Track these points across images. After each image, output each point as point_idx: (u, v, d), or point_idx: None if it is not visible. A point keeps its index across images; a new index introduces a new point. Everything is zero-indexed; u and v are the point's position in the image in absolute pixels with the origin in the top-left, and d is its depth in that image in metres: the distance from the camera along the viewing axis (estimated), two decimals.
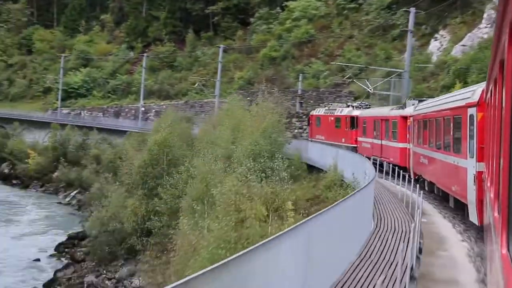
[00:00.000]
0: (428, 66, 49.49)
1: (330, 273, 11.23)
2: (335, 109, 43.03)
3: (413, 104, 28.41)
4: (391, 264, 12.81)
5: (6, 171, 77.87)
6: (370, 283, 11.38)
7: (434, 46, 54.85)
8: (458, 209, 18.64)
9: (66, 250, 43.21)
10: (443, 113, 19.19)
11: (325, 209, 10.85)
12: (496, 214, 5.99)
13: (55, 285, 35.76)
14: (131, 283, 33.36)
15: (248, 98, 71.82)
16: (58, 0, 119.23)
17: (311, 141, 45.32)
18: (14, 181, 75.16)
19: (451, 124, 17.88)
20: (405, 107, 29.92)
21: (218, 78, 70.36)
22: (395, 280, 10.34)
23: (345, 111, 40.57)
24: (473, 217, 15.43)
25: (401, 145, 29.10)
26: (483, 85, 14.84)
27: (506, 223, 4.55)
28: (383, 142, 32.14)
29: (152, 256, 31.80)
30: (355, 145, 38.08)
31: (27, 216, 55.61)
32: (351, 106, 41.32)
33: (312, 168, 37.83)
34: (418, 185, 19.83)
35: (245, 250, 6.40)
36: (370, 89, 47.75)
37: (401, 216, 19.58)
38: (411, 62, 45.88)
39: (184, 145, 43.12)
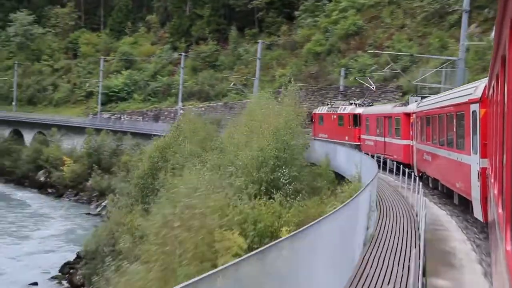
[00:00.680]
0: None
1: None
2: (338, 107, 42.63)
3: (416, 101, 28.15)
4: None
5: (42, 179, 75.25)
6: None
7: None
8: (462, 206, 18.46)
9: (71, 271, 38.69)
10: (446, 110, 19.07)
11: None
12: (500, 210, 6.12)
13: None
14: None
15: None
16: (105, 3, 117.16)
17: (314, 139, 43.22)
18: (50, 190, 72.36)
19: (454, 121, 17.74)
20: (408, 104, 29.54)
21: (256, 76, 64.70)
22: None
23: (347, 109, 40.19)
24: (478, 214, 15.31)
25: (404, 142, 28.67)
26: (485, 81, 14.52)
27: (510, 220, 4.73)
28: (386, 139, 31.80)
29: None
30: (359, 143, 37.66)
31: (48, 230, 51.83)
32: (354, 103, 41.07)
33: (342, 178, 31.57)
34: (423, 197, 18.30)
35: None
36: (373, 87, 47.45)
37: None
38: (470, 50, 39.08)
39: (201, 150, 37.59)
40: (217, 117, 55.34)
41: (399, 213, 19.76)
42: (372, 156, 29.82)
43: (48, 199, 69.25)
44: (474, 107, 15.33)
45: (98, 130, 75.51)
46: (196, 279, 5.18)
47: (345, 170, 29.15)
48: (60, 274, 38.38)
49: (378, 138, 33.39)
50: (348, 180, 26.39)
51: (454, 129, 17.81)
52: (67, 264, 39.73)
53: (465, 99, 16.35)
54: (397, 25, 63.79)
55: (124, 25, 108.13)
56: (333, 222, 10.26)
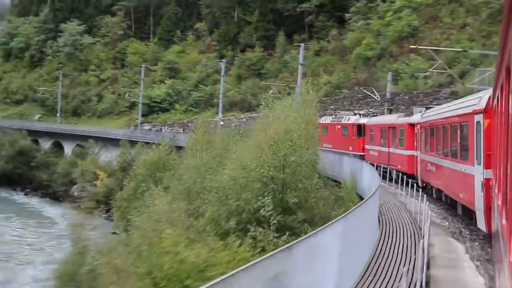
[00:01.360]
0: None
1: None
2: (342, 117, 43.20)
3: (420, 112, 28.54)
4: None
5: (75, 193, 71.76)
6: None
7: None
8: (466, 216, 18.37)
9: None
10: (450, 120, 19.25)
11: None
12: (504, 221, 6.25)
13: None
14: None
15: (332, 106, 59.91)
16: (155, 12, 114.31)
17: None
18: (82, 206, 68.67)
19: (458, 131, 17.92)
20: (412, 114, 29.74)
21: (298, 84, 58.70)
22: None
23: (352, 119, 40.66)
24: (481, 225, 15.15)
25: (408, 152, 28.80)
26: (490, 91, 14.57)
27: None
28: (391, 149, 32.04)
29: None
30: (363, 153, 38.00)
31: (61, 253, 47.49)
32: (358, 114, 41.88)
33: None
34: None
35: None
36: (377, 97, 46.81)
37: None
38: None
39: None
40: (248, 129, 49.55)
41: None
42: (376, 167, 30.30)
43: (79, 216, 65.50)
44: (478, 117, 15.34)
45: (134, 143, 71.49)
46: None
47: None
48: None
49: (382, 149, 33.67)
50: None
51: (458, 140, 17.97)
52: None
53: (469, 110, 16.38)
54: (458, 25, 56.30)
55: (173, 33, 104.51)
56: None
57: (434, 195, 23.47)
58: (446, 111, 20.34)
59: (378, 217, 18.86)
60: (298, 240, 8.66)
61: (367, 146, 37.57)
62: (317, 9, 78.03)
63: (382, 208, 21.34)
